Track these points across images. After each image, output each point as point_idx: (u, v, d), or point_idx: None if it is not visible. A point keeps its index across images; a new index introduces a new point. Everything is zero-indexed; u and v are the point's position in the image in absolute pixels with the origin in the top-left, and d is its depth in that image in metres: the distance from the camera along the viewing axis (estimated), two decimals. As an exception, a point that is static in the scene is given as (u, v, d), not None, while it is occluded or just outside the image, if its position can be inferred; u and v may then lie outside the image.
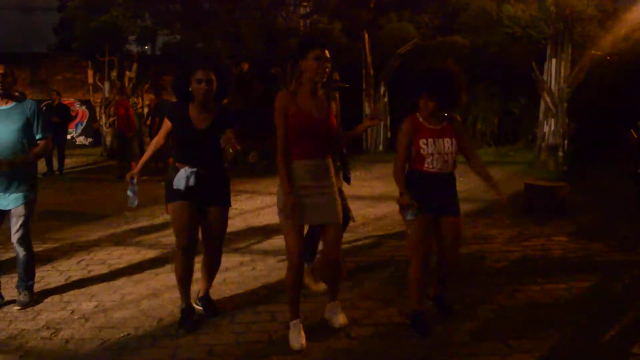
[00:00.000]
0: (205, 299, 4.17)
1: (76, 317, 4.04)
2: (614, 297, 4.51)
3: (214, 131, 3.84)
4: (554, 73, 12.42)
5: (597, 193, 9.21)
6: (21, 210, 4.12)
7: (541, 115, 12.86)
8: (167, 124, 3.96)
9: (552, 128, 12.46)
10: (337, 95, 3.95)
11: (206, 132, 3.82)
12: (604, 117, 12.15)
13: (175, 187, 3.80)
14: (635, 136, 5.04)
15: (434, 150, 3.68)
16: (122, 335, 3.74)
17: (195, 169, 3.79)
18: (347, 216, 4.59)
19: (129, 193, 4.01)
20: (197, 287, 4.23)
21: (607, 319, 4.01)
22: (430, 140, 3.69)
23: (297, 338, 3.56)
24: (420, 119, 3.76)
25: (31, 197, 4.17)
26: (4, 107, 4.09)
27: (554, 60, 12.43)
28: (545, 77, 12.53)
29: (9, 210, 4.13)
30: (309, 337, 3.62)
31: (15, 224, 4.14)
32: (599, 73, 12.49)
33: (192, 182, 3.77)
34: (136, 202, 4.06)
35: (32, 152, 4.14)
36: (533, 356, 3.43)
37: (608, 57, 12.47)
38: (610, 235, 6.34)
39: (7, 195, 4.09)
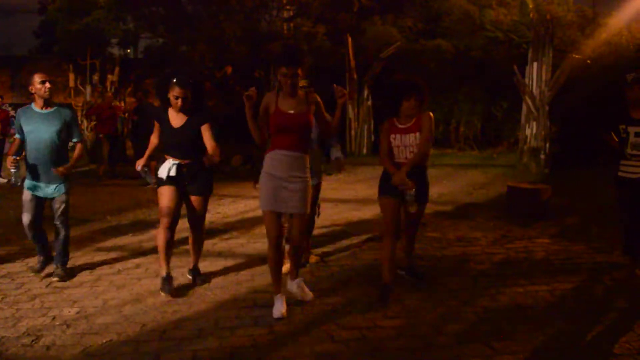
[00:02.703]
0: (195, 269, 4.91)
1: (57, 323, 3.99)
2: (596, 299, 4.57)
3: (187, 129, 4.52)
4: (536, 77, 12.56)
5: (579, 195, 9.31)
6: (63, 197, 4.94)
7: (523, 119, 12.99)
8: (157, 125, 4.66)
9: (534, 131, 12.59)
10: (319, 98, 4.21)
11: (180, 130, 4.52)
12: (585, 120, 12.28)
13: (159, 175, 4.54)
14: (616, 139, 5.09)
15: (400, 144, 4.44)
16: (104, 341, 3.70)
17: (176, 162, 4.50)
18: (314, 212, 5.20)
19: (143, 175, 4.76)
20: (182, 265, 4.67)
21: (589, 320, 4.05)
22: (398, 135, 4.45)
23: (279, 308, 4.06)
24: (395, 120, 4.51)
25: (70, 186, 5.01)
26: (46, 111, 4.87)
27: (535, 64, 12.57)
28: (527, 81, 12.66)
29: (53, 198, 4.91)
30: (295, 342, 3.62)
31: (59, 208, 4.93)
32: (579, 76, 12.64)
33: (172, 172, 4.48)
34: (150, 180, 4.80)
35: (72, 158, 5.00)
36: (517, 358, 3.46)
37: (589, 61, 12.63)
38: (592, 237, 6.41)
39: (51, 185, 4.87)
